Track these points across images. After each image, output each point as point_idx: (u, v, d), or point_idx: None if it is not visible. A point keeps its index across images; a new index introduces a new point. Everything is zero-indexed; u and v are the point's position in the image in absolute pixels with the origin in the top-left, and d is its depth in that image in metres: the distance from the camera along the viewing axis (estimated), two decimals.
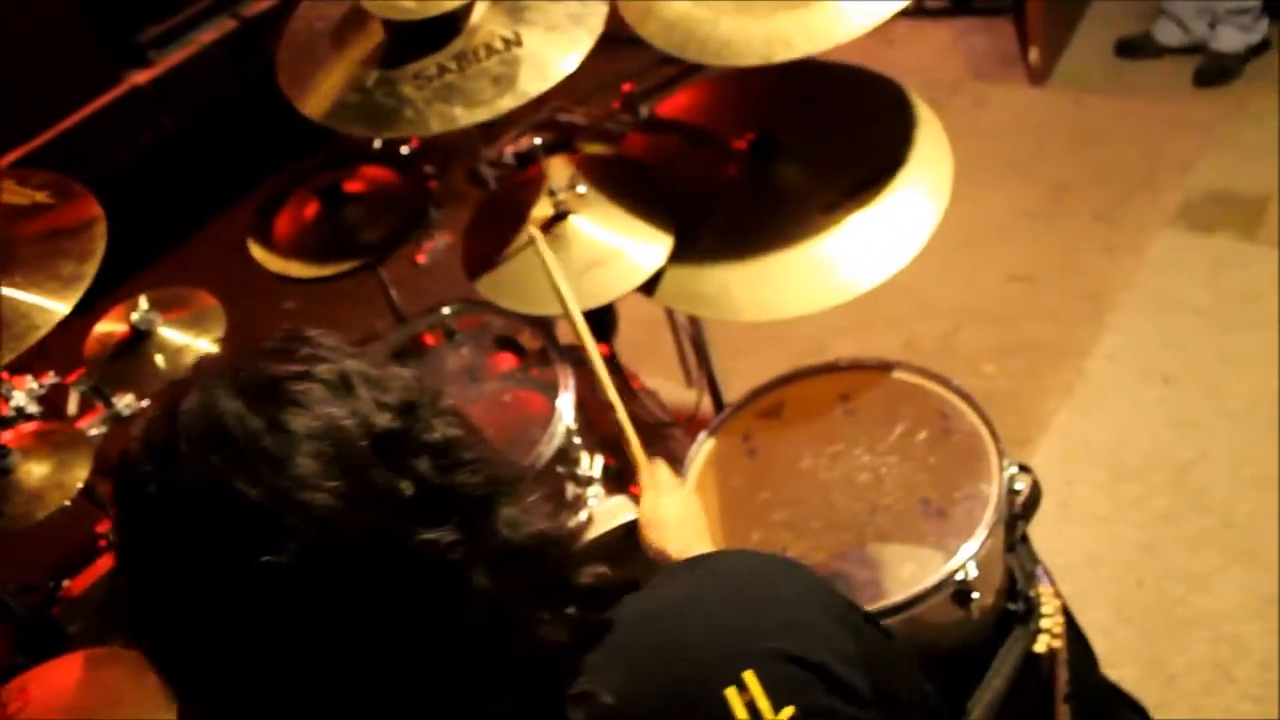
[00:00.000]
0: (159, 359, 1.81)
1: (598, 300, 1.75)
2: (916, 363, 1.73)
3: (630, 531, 1.47)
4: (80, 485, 1.60)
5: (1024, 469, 1.60)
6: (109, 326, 1.85)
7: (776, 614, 0.91)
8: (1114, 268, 3.03)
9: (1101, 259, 3.07)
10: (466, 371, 2.02)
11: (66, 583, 2.01)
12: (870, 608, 1.46)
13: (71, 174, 1.74)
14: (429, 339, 2.08)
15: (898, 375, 1.74)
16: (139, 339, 1.82)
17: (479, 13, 1.74)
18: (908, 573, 1.53)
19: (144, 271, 3.41)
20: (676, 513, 1.37)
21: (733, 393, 1.90)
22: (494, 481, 0.83)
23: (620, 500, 1.66)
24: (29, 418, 1.71)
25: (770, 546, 1.59)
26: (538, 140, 1.89)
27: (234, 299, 1.92)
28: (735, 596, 0.93)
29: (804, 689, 0.87)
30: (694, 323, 2.15)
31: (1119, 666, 2.05)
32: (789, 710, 0.85)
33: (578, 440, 1.80)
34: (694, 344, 2.24)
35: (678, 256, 1.79)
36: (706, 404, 2.21)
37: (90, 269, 1.56)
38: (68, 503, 1.59)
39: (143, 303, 1.83)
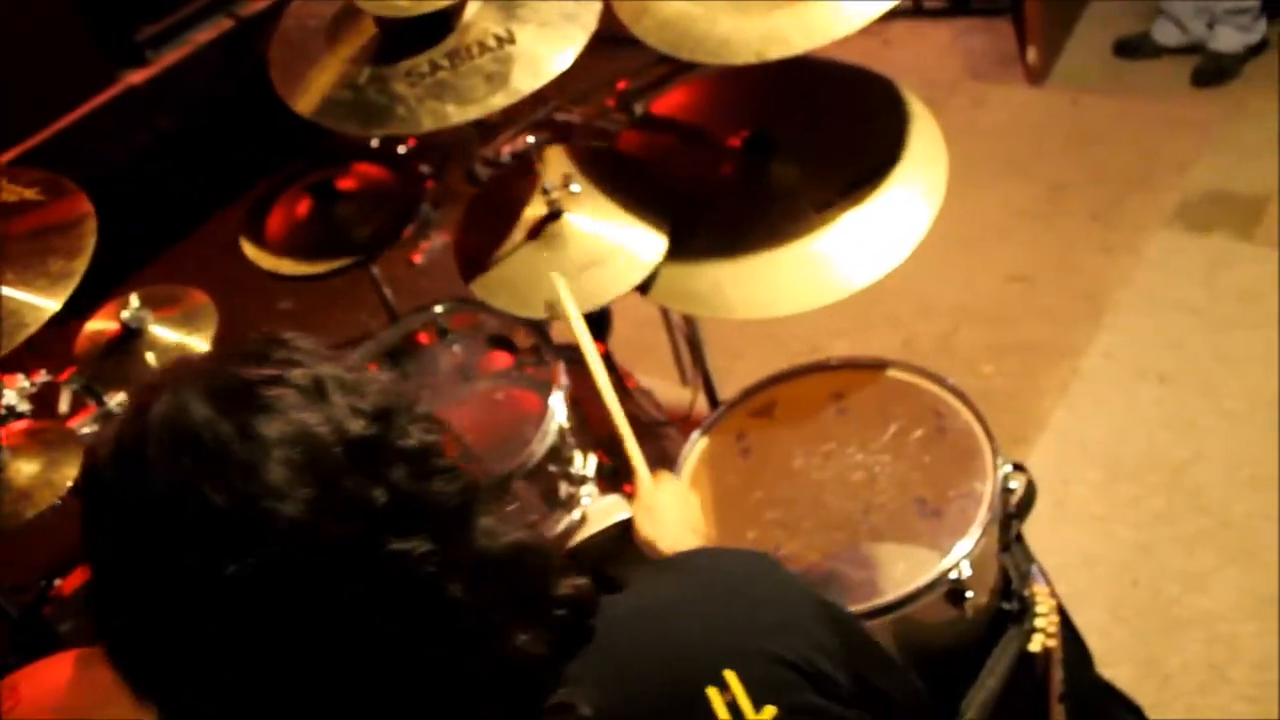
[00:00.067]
0: (150, 357, 1.80)
1: (597, 300, 1.74)
2: (910, 361, 1.72)
3: (624, 531, 1.47)
4: (70, 484, 1.60)
5: (1019, 468, 1.60)
6: (100, 324, 1.85)
7: (757, 613, 0.91)
8: (1111, 267, 3.02)
9: (1099, 259, 3.06)
10: (459, 370, 2.01)
11: (57, 582, 2.01)
12: (864, 607, 1.45)
13: (67, 173, 1.73)
14: (422, 337, 2.07)
15: (891, 374, 1.73)
16: (130, 337, 1.81)
17: (472, 10, 1.73)
18: (901, 572, 1.52)
19: (140, 271, 3.42)
20: (673, 505, 1.37)
21: (728, 392, 1.90)
22: (471, 489, 0.82)
23: (614, 499, 1.65)
24: (20, 416, 1.70)
25: (764, 545, 1.59)
26: (534, 140, 1.89)
27: (229, 298, 1.92)
28: (717, 596, 0.93)
29: (785, 688, 0.87)
30: (689, 322, 2.15)
31: (1114, 666, 2.04)
32: (770, 709, 0.85)
33: (571, 439, 1.79)
34: (689, 343, 2.23)
35: (672, 254, 1.78)
36: (702, 403, 2.20)
37: (80, 265, 1.56)
38: (58, 501, 1.58)
39: (133, 300, 1.82)
